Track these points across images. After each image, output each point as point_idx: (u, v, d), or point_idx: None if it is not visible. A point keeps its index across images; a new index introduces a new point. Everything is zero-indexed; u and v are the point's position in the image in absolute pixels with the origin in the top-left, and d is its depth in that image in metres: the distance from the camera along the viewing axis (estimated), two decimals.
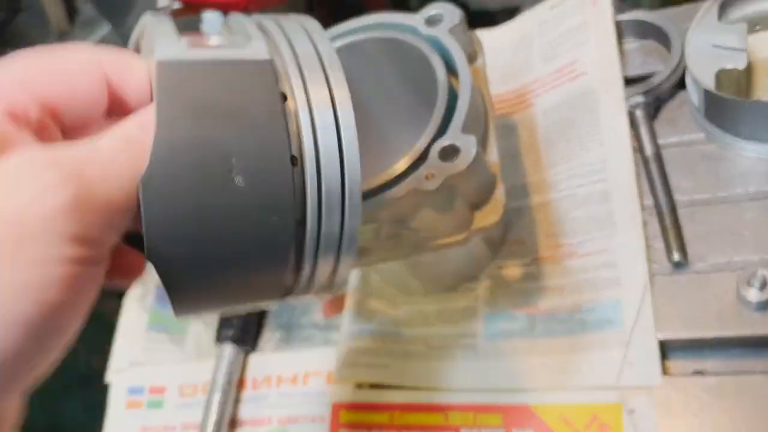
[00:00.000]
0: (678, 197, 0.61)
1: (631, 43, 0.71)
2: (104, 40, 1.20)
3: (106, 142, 0.27)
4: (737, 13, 0.63)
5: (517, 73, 0.73)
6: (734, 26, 0.60)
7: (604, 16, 0.68)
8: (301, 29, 0.32)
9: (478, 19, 0.72)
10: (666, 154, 0.63)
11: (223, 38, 0.30)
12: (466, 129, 0.49)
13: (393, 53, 0.56)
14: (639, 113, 0.64)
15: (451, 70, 0.54)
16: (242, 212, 0.27)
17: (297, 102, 0.29)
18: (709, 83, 0.58)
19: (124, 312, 0.78)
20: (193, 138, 0.26)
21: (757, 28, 0.63)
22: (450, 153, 0.48)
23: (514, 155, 0.69)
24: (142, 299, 0.77)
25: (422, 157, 0.49)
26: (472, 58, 0.57)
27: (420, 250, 0.52)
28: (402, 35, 0.55)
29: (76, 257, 0.24)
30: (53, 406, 1.21)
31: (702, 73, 0.58)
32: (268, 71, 0.28)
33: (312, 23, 0.33)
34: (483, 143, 0.53)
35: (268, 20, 0.33)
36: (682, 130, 0.64)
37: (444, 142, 0.48)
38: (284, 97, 0.28)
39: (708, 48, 0.59)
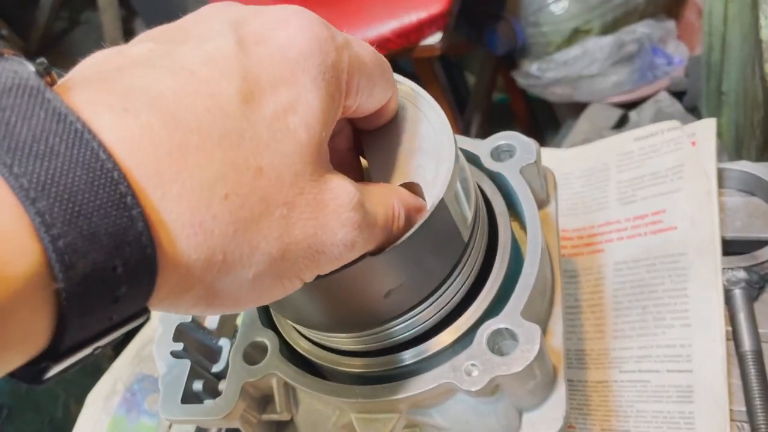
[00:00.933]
0: None
1: (732, 197, 0.59)
2: None
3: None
4: None
5: (586, 208, 0.61)
6: None
7: (705, 160, 0.56)
8: None
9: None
10: (766, 348, 0.50)
11: None
12: (528, 310, 0.37)
13: None
14: (738, 293, 0.51)
15: (516, 215, 0.42)
16: None
17: None
18: None
19: (84, 408, 0.66)
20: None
21: None
22: (503, 342, 0.36)
23: (571, 308, 0.57)
24: (107, 398, 0.66)
25: (465, 340, 0.37)
26: (543, 202, 0.45)
27: None
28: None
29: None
30: None
31: None
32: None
33: None
34: (545, 323, 0.40)
35: None
36: None
37: (497, 323, 0.36)
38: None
39: None
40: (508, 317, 0.36)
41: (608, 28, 1.45)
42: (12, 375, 0.21)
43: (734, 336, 0.50)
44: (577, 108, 1.51)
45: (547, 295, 0.41)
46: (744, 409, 0.48)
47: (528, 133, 1.51)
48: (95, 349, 0.23)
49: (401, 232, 0.31)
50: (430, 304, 0.36)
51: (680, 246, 0.54)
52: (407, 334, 0.36)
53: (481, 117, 1.50)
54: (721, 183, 0.59)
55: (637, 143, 0.61)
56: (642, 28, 1.45)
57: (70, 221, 0.20)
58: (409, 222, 0.31)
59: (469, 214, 0.35)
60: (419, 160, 0.34)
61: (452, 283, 0.36)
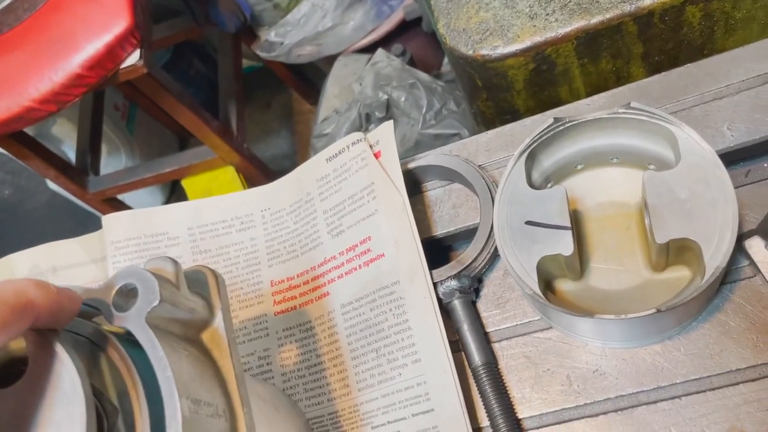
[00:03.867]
0: (523, 414, 0.47)
1: (435, 189, 0.56)
2: None
3: None
4: (551, 158, 0.49)
5: (303, 248, 0.56)
6: (552, 190, 0.45)
7: (392, 174, 0.52)
8: None
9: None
10: (499, 349, 0.49)
11: None
12: None
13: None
14: (457, 304, 0.49)
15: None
16: None
17: None
18: (531, 281, 0.43)
19: None
20: None
21: (579, 167, 0.50)
22: None
23: (314, 367, 0.52)
24: None
25: None
26: (202, 324, 0.39)
27: None
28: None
29: None
30: None
31: (520, 265, 0.44)
32: None
33: None
34: None
35: None
36: (514, 313, 0.50)
37: None
38: None
39: (521, 228, 0.45)
40: None
41: None
42: None
43: (464, 350, 0.48)
44: (331, 58, 1.45)
45: None
46: (489, 423, 0.46)
47: (301, 91, 1.43)
48: None
49: None
50: None
51: (392, 274, 0.50)
52: None
53: (236, 101, 1.40)
54: (422, 178, 0.56)
55: (330, 164, 0.56)
56: None
57: None
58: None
59: None
60: None
61: None
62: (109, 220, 0.59)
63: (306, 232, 0.57)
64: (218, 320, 0.40)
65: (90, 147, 1.44)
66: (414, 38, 1.46)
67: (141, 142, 1.75)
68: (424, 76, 0.94)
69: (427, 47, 1.43)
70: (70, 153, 1.55)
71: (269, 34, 1.42)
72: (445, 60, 1.35)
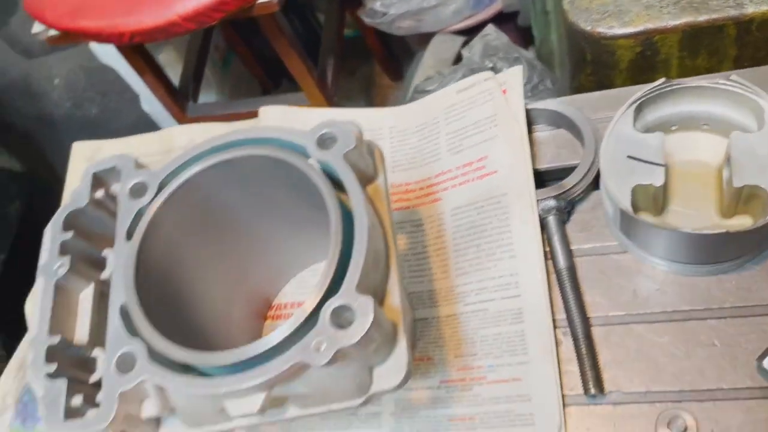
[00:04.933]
0: (593, 313, 0.57)
1: (542, 132, 0.67)
2: None
3: None
4: (654, 114, 0.59)
5: (423, 161, 0.67)
6: (651, 136, 0.56)
7: (515, 107, 0.63)
8: None
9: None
10: (580, 263, 0.59)
11: None
12: (362, 284, 0.42)
13: (282, 176, 0.49)
14: (552, 219, 0.60)
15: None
16: None
17: None
18: (625, 200, 0.54)
19: None
20: None
21: (674, 128, 0.60)
22: (343, 317, 0.41)
23: (420, 254, 0.63)
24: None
25: (311, 320, 0.42)
26: (370, 178, 0.50)
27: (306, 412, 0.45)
28: (289, 157, 0.48)
29: None
30: None
31: (617, 188, 0.54)
32: None
33: None
34: (383, 286, 0.46)
35: None
36: (596, 237, 0.60)
37: (336, 302, 0.42)
38: None
39: (623, 160, 0.55)
40: (345, 294, 0.42)
41: None
42: None
43: (552, 257, 0.59)
44: (425, 38, 1.56)
45: (381, 263, 0.46)
46: (564, 316, 0.57)
47: (385, 66, 1.56)
48: None
49: None
50: None
51: (502, 188, 0.61)
52: None
53: (335, 58, 1.52)
54: (533, 121, 0.67)
55: (459, 95, 0.67)
56: None
57: None
58: None
59: None
60: None
61: None
62: (266, 111, 0.71)
63: (427, 148, 0.68)
64: (381, 178, 0.51)
65: (193, 75, 1.57)
66: (505, 31, 1.57)
67: (231, 83, 1.89)
68: (527, 53, 1.04)
69: (516, 41, 1.54)
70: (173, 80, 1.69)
71: (375, 3, 1.53)
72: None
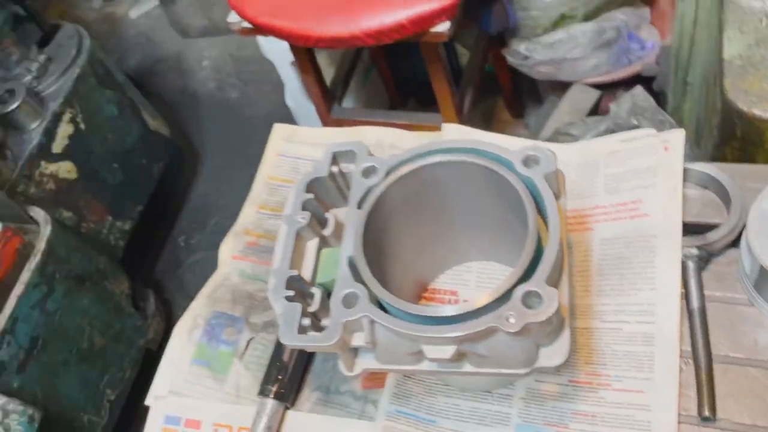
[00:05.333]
0: (715, 351, 0.66)
1: (691, 189, 0.76)
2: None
3: None
4: None
5: (579, 194, 0.78)
6: None
7: (674, 163, 0.73)
8: None
9: None
10: (710, 306, 0.68)
11: None
12: (549, 279, 0.53)
13: (490, 181, 0.61)
14: (691, 264, 0.69)
15: (540, 212, 0.58)
16: None
17: None
18: (766, 260, 0.63)
19: (171, 340, 0.81)
20: None
21: None
22: (532, 300, 0.52)
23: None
24: (190, 331, 0.81)
25: (504, 298, 0.53)
26: (556, 197, 0.61)
27: (480, 370, 0.56)
28: (500, 168, 0.59)
29: None
30: None
31: (761, 249, 0.63)
32: None
33: None
34: (556, 286, 0.57)
35: None
36: (727, 288, 0.69)
37: (528, 287, 0.53)
38: None
39: None
40: (536, 283, 0.53)
41: (591, 15, 1.59)
42: None
43: (686, 296, 0.68)
44: (557, 85, 1.67)
45: (558, 267, 0.57)
46: (690, 348, 0.66)
47: (510, 103, 1.69)
48: None
49: None
50: None
51: (652, 229, 0.71)
52: None
53: (473, 90, 1.65)
54: (684, 178, 0.77)
55: (623, 144, 0.78)
56: (620, 15, 1.60)
57: None
58: None
59: None
60: None
61: None
62: (446, 127, 0.83)
63: (584, 184, 0.78)
64: (562, 199, 0.62)
65: (343, 81, 1.73)
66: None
67: (367, 94, 2.05)
68: (669, 117, 1.13)
69: None
70: None
71: (520, 46, 1.65)
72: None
